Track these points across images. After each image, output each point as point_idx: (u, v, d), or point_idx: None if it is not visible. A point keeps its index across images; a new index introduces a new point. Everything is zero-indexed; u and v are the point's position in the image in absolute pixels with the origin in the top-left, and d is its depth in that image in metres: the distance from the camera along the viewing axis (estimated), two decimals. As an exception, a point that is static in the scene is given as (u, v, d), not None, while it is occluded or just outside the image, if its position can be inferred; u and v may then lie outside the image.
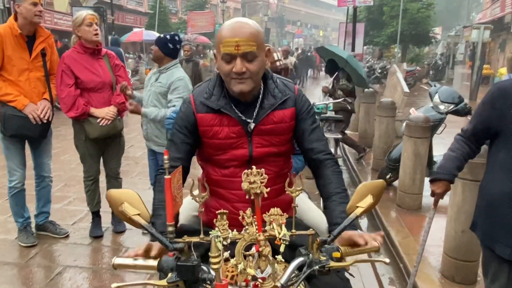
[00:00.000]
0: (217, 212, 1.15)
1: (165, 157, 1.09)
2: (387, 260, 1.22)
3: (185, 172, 1.64)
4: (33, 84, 3.13)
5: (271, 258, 0.86)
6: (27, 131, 3.12)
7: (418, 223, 3.75)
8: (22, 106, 3.04)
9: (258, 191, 0.88)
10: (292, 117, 1.56)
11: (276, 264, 1.19)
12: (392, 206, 4.17)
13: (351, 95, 5.26)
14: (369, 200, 1.24)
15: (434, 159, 4.42)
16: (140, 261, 1.13)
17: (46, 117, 3.14)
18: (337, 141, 4.27)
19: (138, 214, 1.13)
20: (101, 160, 3.56)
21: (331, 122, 4.31)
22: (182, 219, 1.68)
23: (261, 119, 1.51)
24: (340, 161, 6.36)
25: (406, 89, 7.09)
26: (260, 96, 1.52)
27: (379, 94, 10.37)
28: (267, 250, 0.83)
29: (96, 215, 3.63)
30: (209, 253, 0.62)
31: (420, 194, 4.03)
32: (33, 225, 3.57)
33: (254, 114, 1.51)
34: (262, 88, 1.53)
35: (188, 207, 1.73)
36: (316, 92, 6.37)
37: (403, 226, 3.70)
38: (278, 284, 1.10)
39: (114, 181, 3.65)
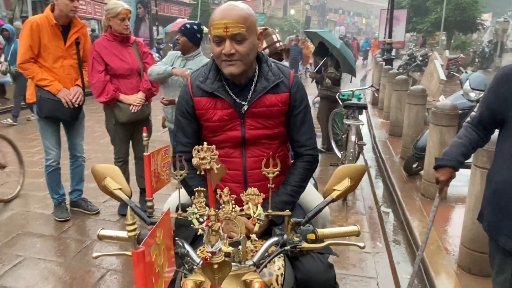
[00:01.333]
0: (194, 189, 1.21)
1: (144, 134, 1.17)
2: (362, 245, 1.21)
3: None
4: (67, 71, 3.35)
5: (222, 233, 0.92)
6: (60, 114, 3.34)
7: (442, 213, 3.66)
8: (56, 91, 3.26)
9: (208, 167, 0.93)
10: (285, 103, 1.58)
11: (249, 242, 1.24)
12: (417, 195, 4.09)
13: (338, 83, 5.22)
14: (346, 183, 1.24)
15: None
16: (122, 234, 1.22)
17: (77, 102, 3.36)
18: (358, 128, 4.22)
19: (120, 189, 1.21)
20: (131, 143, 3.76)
21: (355, 109, 4.26)
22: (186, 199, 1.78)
23: (253, 102, 1.54)
24: (367, 148, 6.28)
25: (443, 77, 6.84)
26: (255, 79, 1.55)
27: (418, 82, 10.03)
28: (217, 225, 0.89)
29: (124, 195, 3.84)
30: (125, 222, 0.67)
31: (445, 184, 3.93)
32: (68, 201, 3.84)
33: (248, 97, 1.55)
34: (256, 71, 1.57)
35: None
36: (347, 81, 6.22)
37: (425, 215, 3.63)
38: (251, 262, 1.15)
39: (142, 162, 3.84)
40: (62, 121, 3.55)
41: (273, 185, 1.25)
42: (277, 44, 2.40)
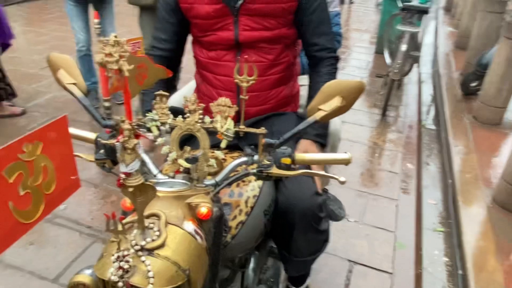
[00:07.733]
0: (155, 93, 1.03)
1: (95, 21, 0.99)
2: (343, 179, 0.98)
3: (177, 61, 1.53)
4: None
5: (139, 152, 0.75)
6: None
7: (491, 140, 3.28)
8: None
9: (116, 67, 0.66)
10: None
11: (213, 160, 1.07)
12: (467, 118, 3.66)
13: None
14: (335, 103, 0.96)
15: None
16: (80, 132, 1.10)
17: None
18: (413, 36, 3.67)
19: (74, 84, 1.06)
20: None
21: (413, 13, 3.66)
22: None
23: None
24: (427, 61, 5.65)
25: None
26: None
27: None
28: (133, 142, 0.72)
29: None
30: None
31: (503, 108, 3.45)
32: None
33: None
34: None
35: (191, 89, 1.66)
36: None
37: (470, 140, 3.27)
38: (212, 181, 1.01)
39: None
40: (91, 2, 3.42)
41: (247, 97, 1.03)
42: None
